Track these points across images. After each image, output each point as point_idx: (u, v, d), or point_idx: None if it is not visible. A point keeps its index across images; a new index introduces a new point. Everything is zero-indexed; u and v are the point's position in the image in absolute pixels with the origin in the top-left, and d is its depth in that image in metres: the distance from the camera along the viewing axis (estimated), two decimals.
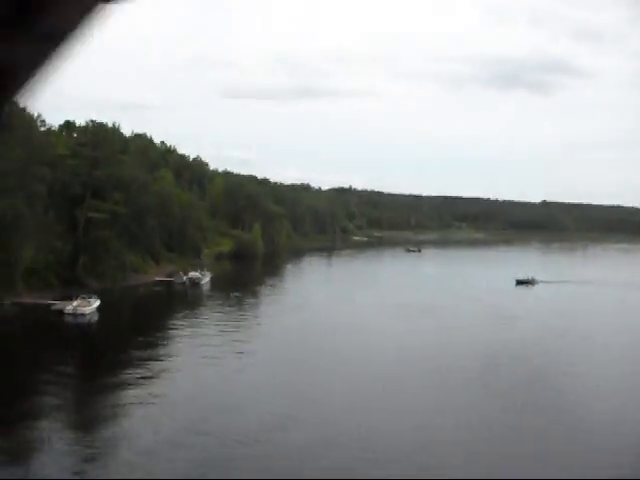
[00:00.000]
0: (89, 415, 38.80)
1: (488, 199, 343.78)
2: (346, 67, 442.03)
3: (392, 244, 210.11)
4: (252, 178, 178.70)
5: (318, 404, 39.83)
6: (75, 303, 67.30)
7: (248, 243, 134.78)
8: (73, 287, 75.73)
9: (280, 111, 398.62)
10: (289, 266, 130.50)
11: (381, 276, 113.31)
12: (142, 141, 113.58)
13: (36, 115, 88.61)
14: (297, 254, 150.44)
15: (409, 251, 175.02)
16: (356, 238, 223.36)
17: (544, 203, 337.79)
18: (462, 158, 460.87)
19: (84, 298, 68.64)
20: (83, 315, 66.15)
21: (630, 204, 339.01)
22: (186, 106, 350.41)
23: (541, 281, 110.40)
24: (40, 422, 36.04)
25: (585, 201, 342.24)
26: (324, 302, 78.60)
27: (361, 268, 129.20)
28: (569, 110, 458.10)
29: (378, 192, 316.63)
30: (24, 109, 64.68)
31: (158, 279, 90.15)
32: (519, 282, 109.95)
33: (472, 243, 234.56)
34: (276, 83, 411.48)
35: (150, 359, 50.73)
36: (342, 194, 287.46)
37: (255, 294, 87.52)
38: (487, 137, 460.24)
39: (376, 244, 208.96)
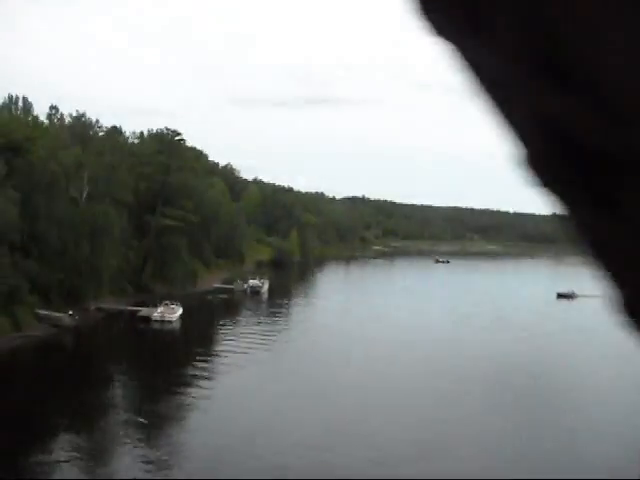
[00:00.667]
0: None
1: (499, 211, 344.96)
2: (358, 76, 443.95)
3: (414, 254, 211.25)
4: (280, 188, 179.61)
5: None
6: (160, 310, 67.98)
7: (286, 251, 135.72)
8: (142, 293, 76.62)
9: (289, 119, 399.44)
10: (331, 275, 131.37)
11: (429, 287, 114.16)
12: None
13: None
14: (328, 262, 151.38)
15: (438, 262, 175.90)
16: (376, 247, 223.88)
17: (555, 216, 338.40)
18: (473, 169, 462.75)
19: (167, 305, 69.33)
20: (170, 322, 66.89)
21: None
22: (196, 113, 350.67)
23: (581, 295, 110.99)
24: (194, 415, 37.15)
25: None
26: (398, 314, 78.85)
27: (404, 278, 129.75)
28: None
29: (390, 202, 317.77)
30: None
31: (217, 286, 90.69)
32: (560, 295, 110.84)
33: (491, 255, 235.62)
34: (286, 91, 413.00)
35: (248, 365, 51.36)
36: (355, 203, 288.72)
37: (316, 303, 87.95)
38: (497, 148, 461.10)
39: (397, 254, 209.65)
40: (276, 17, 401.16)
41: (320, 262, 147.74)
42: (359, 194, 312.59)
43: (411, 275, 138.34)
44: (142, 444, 35.49)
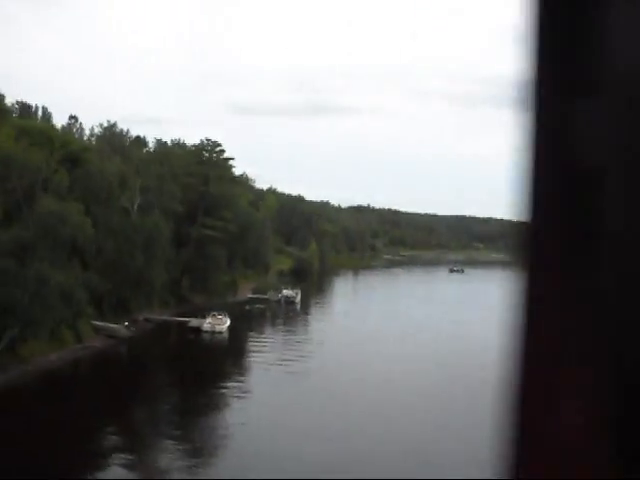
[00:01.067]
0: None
1: (502, 219, 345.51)
2: (359, 84, 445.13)
3: (425, 264, 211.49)
4: (293, 197, 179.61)
5: None
6: (209, 320, 67.87)
7: (306, 261, 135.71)
8: (181, 304, 76.50)
9: (290, 128, 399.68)
10: (355, 284, 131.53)
11: (459, 296, 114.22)
12: None
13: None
14: (343, 272, 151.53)
15: (452, 271, 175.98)
16: (387, 257, 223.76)
17: None
18: (476, 177, 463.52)
19: (215, 316, 69.19)
20: (220, 333, 66.77)
21: None
22: (198, 121, 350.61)
23: None
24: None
25: None
26: (445, 324, 78.63)
27: (429, 287, 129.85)
28: None
29: (394, 210, 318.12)
30: None
31: (250, 296, 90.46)
32: None
33: (500, 264, 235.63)
34: (287, 100, 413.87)
35: (310, 373, 51.30)
36: (360, 212, 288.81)
37: (356, 314, 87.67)
38: (499, 156, 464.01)
39: (409, 263, 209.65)
40: (276, 24, 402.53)
41: (336, 271, 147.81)
42: (362, 202, 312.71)
43: (436, 285, 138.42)
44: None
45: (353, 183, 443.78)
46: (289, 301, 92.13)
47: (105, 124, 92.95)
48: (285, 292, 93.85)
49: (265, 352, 60.59)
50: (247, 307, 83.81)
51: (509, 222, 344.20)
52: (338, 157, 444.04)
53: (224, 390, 48.32)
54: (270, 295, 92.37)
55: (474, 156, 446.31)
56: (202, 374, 51.45)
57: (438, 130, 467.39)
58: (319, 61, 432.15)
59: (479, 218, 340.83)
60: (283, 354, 59.44)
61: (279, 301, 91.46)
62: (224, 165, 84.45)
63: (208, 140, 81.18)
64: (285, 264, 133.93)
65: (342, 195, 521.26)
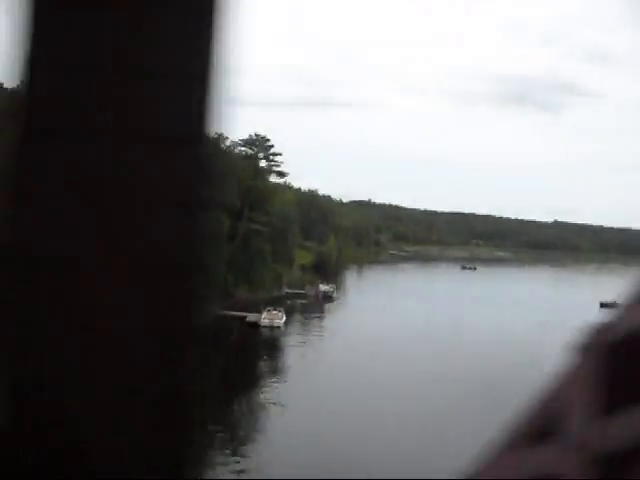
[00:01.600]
0: None
1: (501, 217, 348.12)
2: (359, 79, 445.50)
3: (431, 260, 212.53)
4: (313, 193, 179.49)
5: None
6: (264, 315, 68.45)
7: (326, 255, 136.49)
8: (225, 298, 76.76)
9: (289, 121, 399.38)
10: (377, 278, 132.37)
11: (482, 295, 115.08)
12: None
13: None
14: (357, 266, 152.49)
15: (464, 268, 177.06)
16: (392, 252, 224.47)
17: (555, 223, 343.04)
18: (474, 175, 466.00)
19: (270, 311, 69.76)
20: (278, 328, 67.25)
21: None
22: None
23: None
24: None
25: (595, 222, 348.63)
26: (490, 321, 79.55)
27: (447, 285, 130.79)
28: (577, 129, 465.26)
29: (396, 206, 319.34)
30: None
31: (287, 291, 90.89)
32: (603, 305, 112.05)
33: (504, 261, 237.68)
34: (285, 92, 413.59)
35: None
36: (362, 207, 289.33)
37: (395, 307, 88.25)
38: (498, 154, 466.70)
39: (415, 259, 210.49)
40: (277, 18, 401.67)
41: (347, 266, 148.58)
42: (362, 198, 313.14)
43: (456, 283, 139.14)
44: None
45: (353, 178, 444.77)
46: (327, 296, 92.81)
47: None
48: (322, 287, 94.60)
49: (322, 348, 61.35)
50: (288, 302, 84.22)
51: (508, 220, 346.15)
52: (339, 152, 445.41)
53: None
54: (307, 290, 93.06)
55: (474, 154, 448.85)
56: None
57: (437, 127, 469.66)
58: (319, 54, 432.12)
59: (479, 215, 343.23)
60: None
61: (317, 296, 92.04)
62: (271, 160, 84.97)
63: (257, 135, 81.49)
64: (305, 259, 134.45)
65: (342, 190, 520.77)
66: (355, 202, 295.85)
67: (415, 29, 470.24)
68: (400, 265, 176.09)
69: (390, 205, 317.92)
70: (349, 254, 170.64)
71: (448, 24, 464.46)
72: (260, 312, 68.85)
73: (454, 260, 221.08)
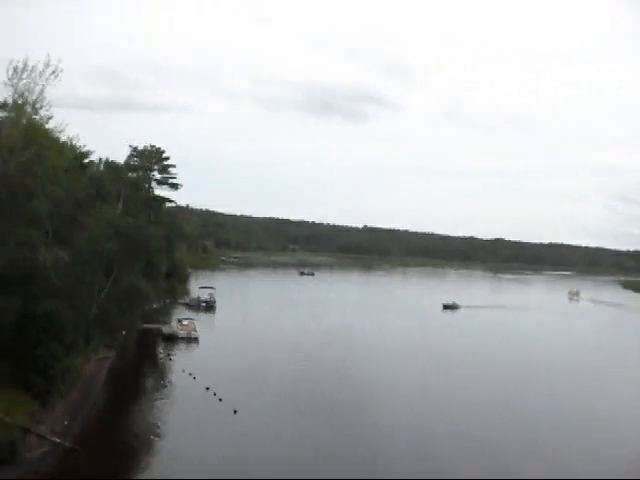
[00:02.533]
0: None
1: (314, 223, 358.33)
2: (167, 82, 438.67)
3: (263, 266, 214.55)
4: None
5: None
6: (179, 327, 67.23)
7: (181, 262, 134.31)
8: None
9: (93, 123, 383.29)
10: (244, 286, 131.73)
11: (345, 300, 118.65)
12: None
13: None
14: (196, 272, 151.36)
15: (303, 274, 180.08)
16: (222, 258, 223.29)
17: (366, 228, 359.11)
18: (287, 181, 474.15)
19: (181, 322, 68.73)
20: (196, 339, 65.92)
21: (441, 232, 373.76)
22: None
23: (462, 306, 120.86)
24: None
25: (402, 227, 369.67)
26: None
27: (313, 292, 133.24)
28: (379, 138, 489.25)
29: (213, 212, 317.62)
30: None
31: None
32: (445, 307, 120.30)
33: (329, 266, 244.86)
34: (93, 93, 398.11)
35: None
36: (182, 212, 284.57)
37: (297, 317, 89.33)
38: (307, 161, 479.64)
39: (248, 265, 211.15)
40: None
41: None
42: (181, 203, 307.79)
43: (302, 288, 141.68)
44: None
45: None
46: (209, 306, 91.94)
47: None
48: (202, 297, 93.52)
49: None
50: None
51: (320, 225, 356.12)
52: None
53: None
54: (190, 300, 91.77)
55: (283, 160, 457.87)
56: None
57: (247, 132, 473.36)
58: (127, 57, 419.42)
59: (293, 221, 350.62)
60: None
61: (198, 306, 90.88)
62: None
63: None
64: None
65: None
66: (174, 208, 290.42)
67: (224, 35, 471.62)
68: (242, 271, 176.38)
69: (207, 210, 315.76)
70: (188, 260, 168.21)
71: (253, 32, 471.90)
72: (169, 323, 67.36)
73: (282, 265, 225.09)
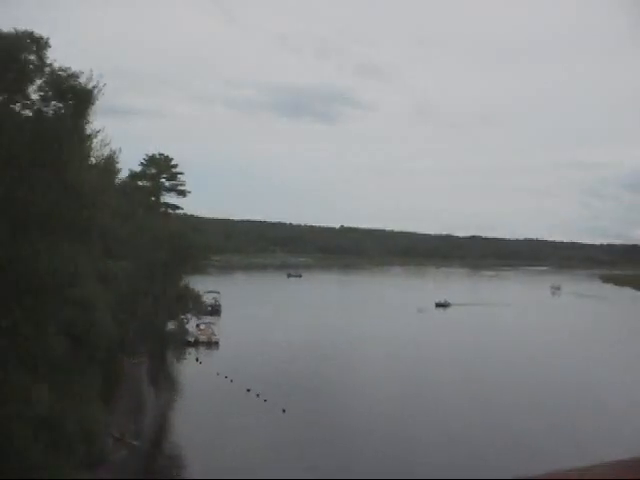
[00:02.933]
0: None
1: (291, 224, 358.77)
2: (138, 86, 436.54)
3: (250, 268, 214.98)
4: None
5: None
6: (198, 332, 68.41)
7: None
8: None
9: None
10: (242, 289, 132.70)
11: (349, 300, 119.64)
12: None
13: None
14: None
15: (290, 276, 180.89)
16: (204, 261, 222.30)
17: (343, 228, 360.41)
18: (263, 182, 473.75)
19: (199, 326, 69.91)
20: (217, 343, 67.14)
21: (418, 230, 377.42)
22: None
23: (453, 304, 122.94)
24: None
25: (377, 227, 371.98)
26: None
27: (293, 294, 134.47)
28: (352, 138, 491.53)
29: (191, 215, 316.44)
30: None
31: None
32: (438, 305, 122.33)
33: (310, 267, 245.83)
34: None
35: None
36: (164, 217, 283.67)
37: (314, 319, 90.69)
38: (283, 163, 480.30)
39: (230, 267, 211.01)
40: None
41: None
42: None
43: (291, 290, 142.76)
44: None
45: None
46: (214, 310, 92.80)
47: None
48: (207, 301, 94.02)
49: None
50: None
51: (298, 227, 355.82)
52: (122, 159, 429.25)
53: None
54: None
55: (260, 162, 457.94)
56: None
57: (222, 135, 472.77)
58: (95, 59, 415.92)
59: (271, 223, 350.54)
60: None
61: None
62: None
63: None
64: None
65: None
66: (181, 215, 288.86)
67: (194, 38, 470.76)
68: (228, 274, 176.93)
69: (186, 214, 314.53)
70: None
71: (225, 35, 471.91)
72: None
73: (264, 267, 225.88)
